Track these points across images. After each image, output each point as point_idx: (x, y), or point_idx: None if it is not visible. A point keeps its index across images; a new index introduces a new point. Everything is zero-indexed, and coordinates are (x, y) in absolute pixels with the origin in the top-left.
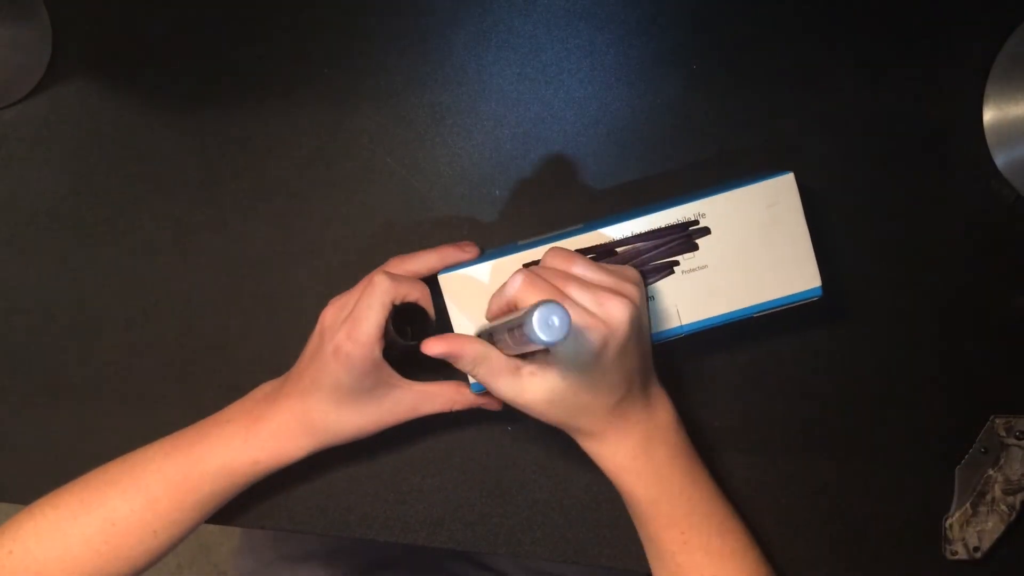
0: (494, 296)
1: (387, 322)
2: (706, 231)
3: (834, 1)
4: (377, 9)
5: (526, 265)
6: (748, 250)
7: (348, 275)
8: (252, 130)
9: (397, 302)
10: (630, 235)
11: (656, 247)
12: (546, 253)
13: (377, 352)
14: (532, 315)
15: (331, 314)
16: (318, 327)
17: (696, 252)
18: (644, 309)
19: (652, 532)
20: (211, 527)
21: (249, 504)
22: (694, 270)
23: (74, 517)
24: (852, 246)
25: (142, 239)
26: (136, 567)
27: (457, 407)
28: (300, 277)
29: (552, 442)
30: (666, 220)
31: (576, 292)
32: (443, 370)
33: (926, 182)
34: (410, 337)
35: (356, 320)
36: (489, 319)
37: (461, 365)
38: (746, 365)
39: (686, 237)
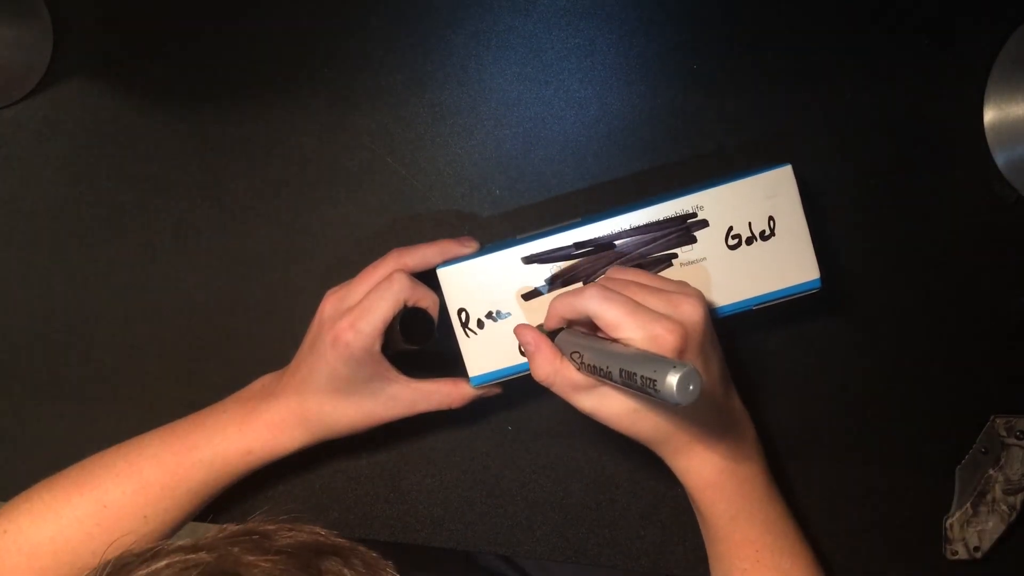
0: (558, 304)
1: (394, 320)
2: (704, 223)
3: (835, 1)
4: (377, 9)
5: (527, 259)
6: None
7: (348, 275)
8: (252, 130)
9: (409, 304)
10: (628, 228)
11: (655, 240)
12: (611, 270)
13: (377, 345)
14: (668, 377)
15: (331, 305)
16: (317, 318)
17: (694, 245)
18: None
19: (724, 550)
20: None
21: (249, 504)
22: (692, 262)
23: (68, 499)
24: (852, 246)
25: (142, 239)
26: None
27: (455, 404)
28: (300, 277)
29: (553, 442)
30: (664, 213)
31: (648, 297)
32: (439, 371)
33: (927, 182)
34: (410, 341)
35: (365, 310)
36: (550, 327)
37: (542, 371)
38: (745, 367)
39: (684, 230)
